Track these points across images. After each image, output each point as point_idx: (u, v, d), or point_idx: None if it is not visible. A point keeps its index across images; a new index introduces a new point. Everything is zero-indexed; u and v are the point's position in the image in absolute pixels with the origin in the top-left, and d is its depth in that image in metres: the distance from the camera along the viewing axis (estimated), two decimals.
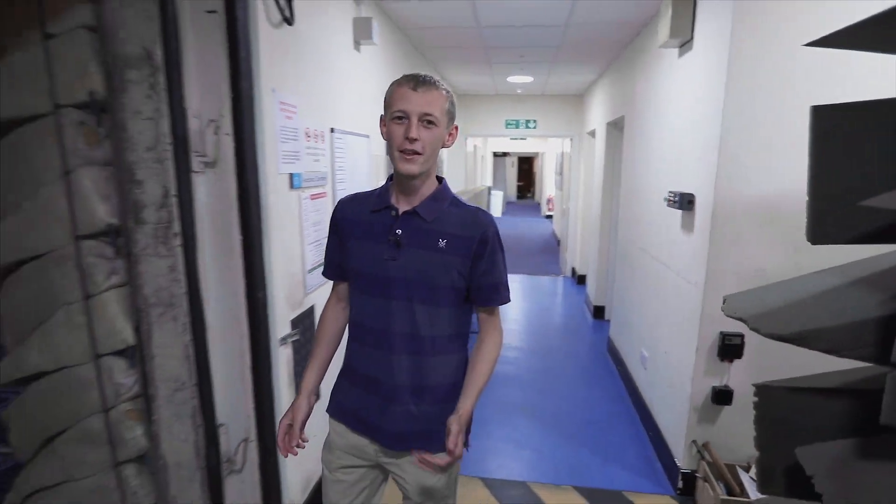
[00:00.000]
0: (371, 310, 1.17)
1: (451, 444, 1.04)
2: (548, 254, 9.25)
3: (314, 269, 2.02)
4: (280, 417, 1.46)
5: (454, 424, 1.06)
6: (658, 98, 3.08)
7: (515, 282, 6.95)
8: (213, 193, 1.53)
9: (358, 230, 1.19)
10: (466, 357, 1.24)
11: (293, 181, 1.85)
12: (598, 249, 5.27)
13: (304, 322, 1.96)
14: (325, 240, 1.32)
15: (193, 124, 1.48)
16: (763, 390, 1.22)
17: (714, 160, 2.12)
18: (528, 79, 5.50)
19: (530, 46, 4.12)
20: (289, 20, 1.78)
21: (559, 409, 3.28)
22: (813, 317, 0.66)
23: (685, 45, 2.57)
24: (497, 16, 3.31)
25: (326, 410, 1.30)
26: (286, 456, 1.23)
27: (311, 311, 2.03)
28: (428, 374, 1.17)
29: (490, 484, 2.46)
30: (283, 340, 1.80)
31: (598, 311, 5.31)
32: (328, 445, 1.30)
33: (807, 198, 0.65)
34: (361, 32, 2.64)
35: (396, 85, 1.10)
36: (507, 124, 6.84)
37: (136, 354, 1.58)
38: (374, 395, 1.19)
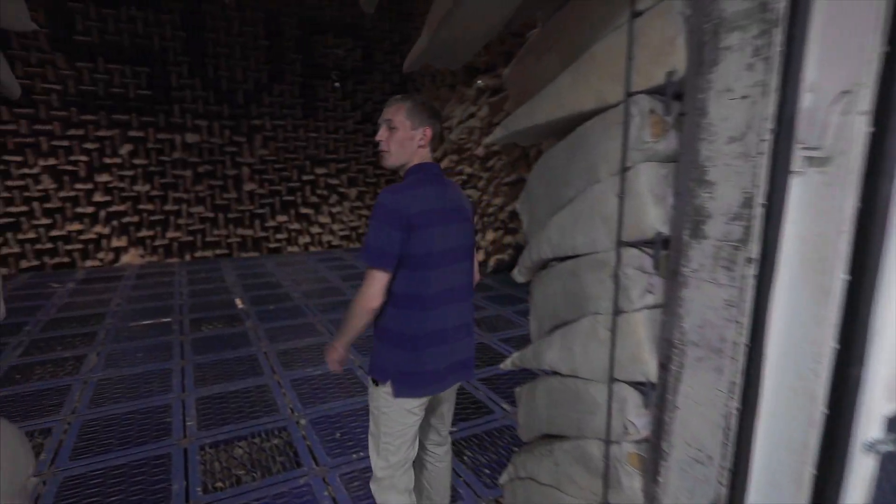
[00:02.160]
0: None
1: None
2: None
3: None
4: None
5: None
6: None
7: None
8: (814, 205, 1.01)
9: None
10: (392, 312, 1.51)
11: None
12: None
13: None
14: None
15: (806, 101, 0.99)
16: None
17: None
18: None
19: None
20: None
21: None
22: None
23: None
24: None
25: None
26: None
27: None
28: (377, 322, 1.55)
29: None
30: (870, 447, 1.12)
31: None
32: None
33: None
34: None
35: None
36: None
37: (655, 395, 1.29)
38: None
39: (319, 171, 8.49)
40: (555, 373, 1.67)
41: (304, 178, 8.36)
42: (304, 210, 8.43)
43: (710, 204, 1.10)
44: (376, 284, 1.42)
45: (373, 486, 1.66)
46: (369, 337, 1.65)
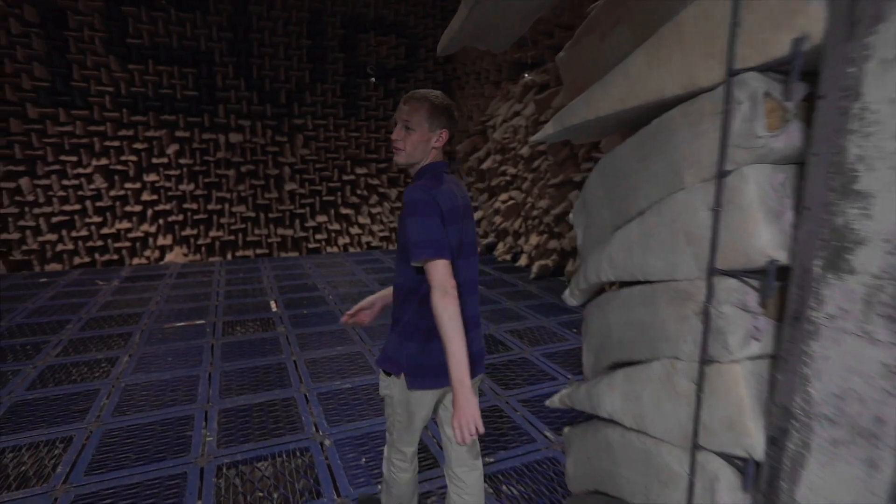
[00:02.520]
0: None
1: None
2: None
3: None
4: None
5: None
6: None
7: None
8: None
9: None
10: (409, 304, 1.51)
11: None
12: None
13: None
14: None
15: None
16: None
17: None
18: None
19: None
20: None
21: None
22: None
23: None
24: None
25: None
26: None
27: None
28: (399, 313, 1.55)
29: None
30: None
31: None
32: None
33: None
34: None
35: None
36: None
37: (762, 479, 0.96)
38: None
39: (360, 171, 8.38)
40: (615, 421, 1.35)
41: (345, 178, 8.26)
42: (343, 210, 8.34)
43: (863, 224, 0.77)
44: (443, 270, 1.36)
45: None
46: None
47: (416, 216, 1.38)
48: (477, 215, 8.24)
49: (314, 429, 2.77)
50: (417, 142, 1.45)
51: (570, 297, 1.59)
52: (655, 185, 1.15)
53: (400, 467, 1.71)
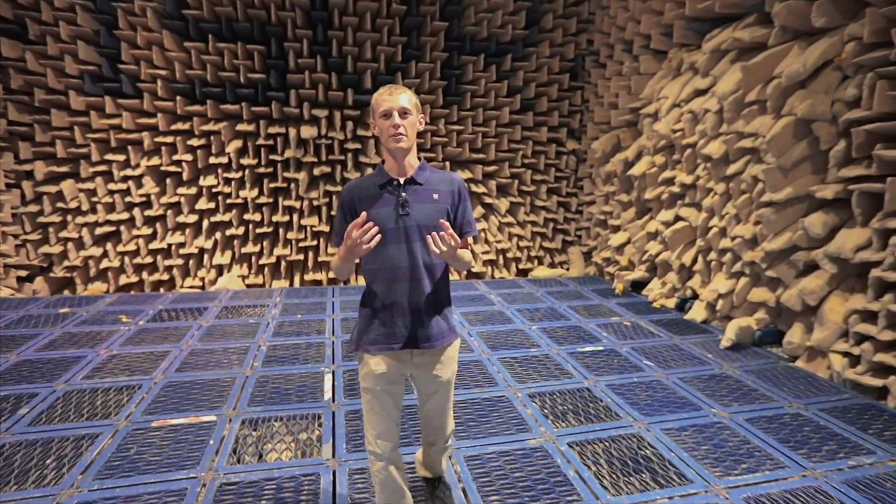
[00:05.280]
0: (396, 254, 1.69)
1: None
2: None
3: None
4: None
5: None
6: None
7: None
8: None
9: (371, 203, 1.70)
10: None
11: None
12: None
13: None
14: None
15: None
16: None
17: None
18: None
19: None
20: None
21: None
22: None
23: None
24: None
25: (359, 350, 1.75)
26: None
27: None
28: (440, 289, 1.78)
29: None
30: None
31: None
32: (370, 376, 1.72)
33: None
34: None
35: (378, 95, 1.71)
36: None
37: None
38: (406, 315, 1.71)
39: (462, 175, 6.47)
40: None
41: None
42: None
43: None
44: None
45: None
46: None
47: (469, 199, 1.83)
48: (617, 238, 5.97)
49: None
50: (415, 125, 1.74)
51: None
52: None
53: None
